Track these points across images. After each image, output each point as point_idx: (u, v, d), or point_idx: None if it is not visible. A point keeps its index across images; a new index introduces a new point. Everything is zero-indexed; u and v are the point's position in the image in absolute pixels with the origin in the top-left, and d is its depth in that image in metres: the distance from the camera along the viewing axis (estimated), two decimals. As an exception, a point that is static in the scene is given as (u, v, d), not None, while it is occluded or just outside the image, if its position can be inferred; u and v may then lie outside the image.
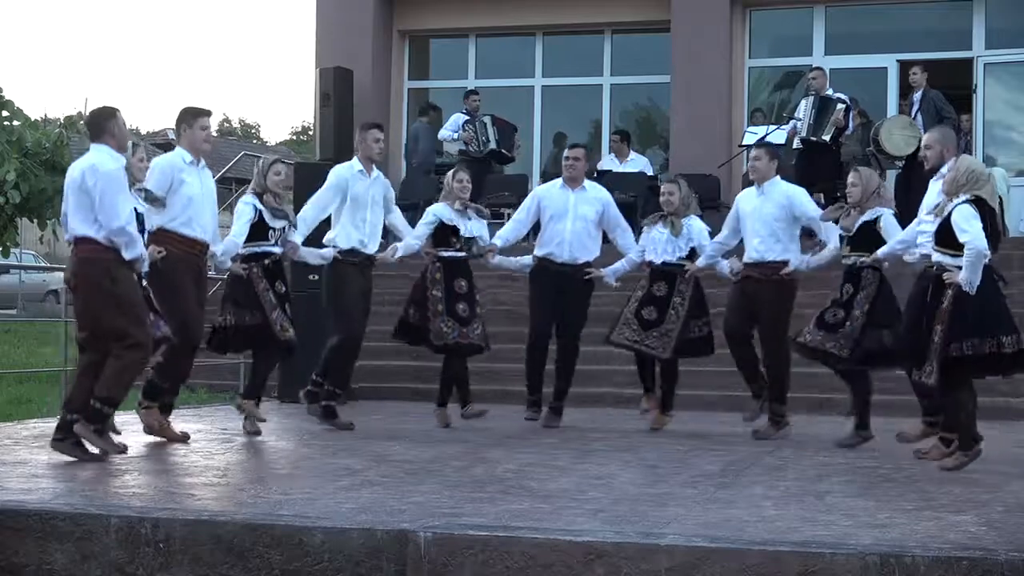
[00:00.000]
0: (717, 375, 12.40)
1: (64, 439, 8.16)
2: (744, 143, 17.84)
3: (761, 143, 17.01)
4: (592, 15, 20.16)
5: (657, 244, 10.86)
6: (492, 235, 11.24)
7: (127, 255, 8.06)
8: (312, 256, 10.52)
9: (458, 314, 10.69)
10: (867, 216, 9.73)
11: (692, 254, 10.81)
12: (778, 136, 17.08)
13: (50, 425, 10.55)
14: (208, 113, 9.64)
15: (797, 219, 10.43)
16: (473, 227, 10.91)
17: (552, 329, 11.15)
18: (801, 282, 10.70)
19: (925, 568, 5.30)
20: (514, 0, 20.36)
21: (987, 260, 8.19)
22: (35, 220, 20.42)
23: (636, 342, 10.75)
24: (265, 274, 9.98)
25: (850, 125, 16.41)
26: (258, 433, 9.98)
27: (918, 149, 15.92)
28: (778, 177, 10.65)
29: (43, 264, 28.78)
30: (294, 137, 66.38)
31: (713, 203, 17.44)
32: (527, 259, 11.29)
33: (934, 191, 9.15)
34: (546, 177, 19.21)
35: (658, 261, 10.83)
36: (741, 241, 10.68)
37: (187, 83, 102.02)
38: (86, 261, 8.08)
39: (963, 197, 8.30)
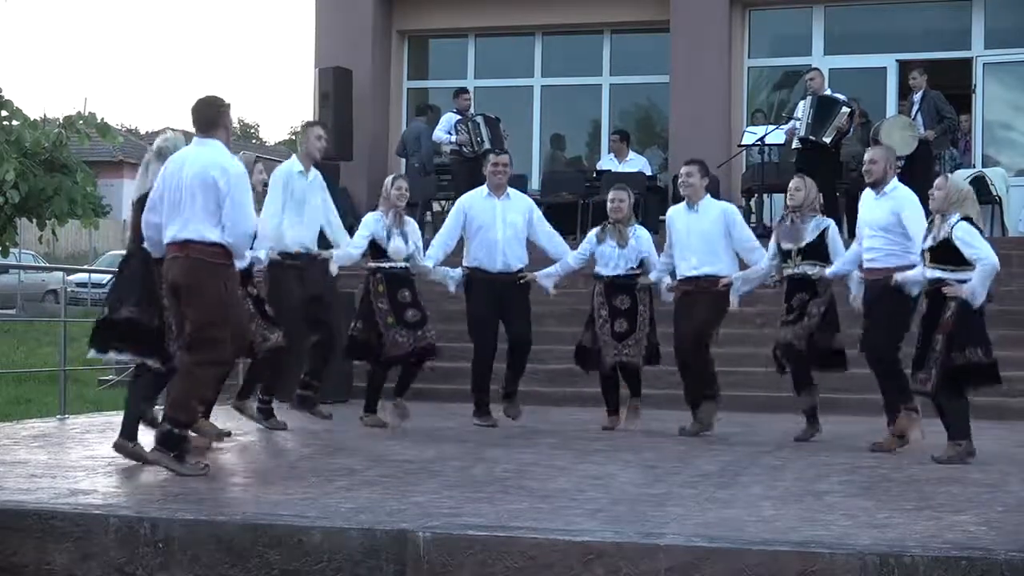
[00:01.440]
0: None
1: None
2: (743, 143, 17.85)
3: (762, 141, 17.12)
4: (591, 15, 20.15)
5: (609, 258, 10.79)
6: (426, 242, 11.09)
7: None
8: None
9: (408, 321, 10.51)
10: (814, 227, 10.01)
11: (641, 265, 10.79)
12: (777, 136, 17.07)
13: (49, 425, 10.59)
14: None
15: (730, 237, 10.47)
16: (397, 245, 10.54)
17: (496, 341, 11.04)
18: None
19: (924, 568, 5.31)
20: (513, 0, 20.36)
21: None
22: (34, 220, 20.43)
23: (616, 354, 10.73)
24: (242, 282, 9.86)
25: (851, 130, 16.39)
26: (284, 427, 10.13)
27: (918, 149, 16.10)
28: (709, 196, 10.73)
29: (42, 264, 28.85)
30: (293, 137, 66.16)
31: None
32: (455, 271, 11.03)
33: (871, 206, 9.67)
34: (545, 178, 19.25)
35: (609, 274, 10.77)
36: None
37: (187, 82, 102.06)
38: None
39: (957, 216, 8.63)
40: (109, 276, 22.05)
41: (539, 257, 11.44)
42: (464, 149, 17.76)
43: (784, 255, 10.13)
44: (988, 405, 11.57)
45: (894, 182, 9.72)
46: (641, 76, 20.59)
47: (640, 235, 10.85)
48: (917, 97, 16.79)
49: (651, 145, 20.94)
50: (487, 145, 17.98)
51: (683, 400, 10.73)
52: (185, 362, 7.50)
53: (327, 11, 20.68)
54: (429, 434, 10.25)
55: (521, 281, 10.95)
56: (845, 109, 16.08)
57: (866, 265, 9.69)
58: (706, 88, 19.00)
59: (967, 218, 8.64)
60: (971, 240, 8.54)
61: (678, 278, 10.56)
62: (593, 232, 11.05)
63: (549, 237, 11.29)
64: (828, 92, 16.43)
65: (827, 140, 16.07)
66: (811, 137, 16.18)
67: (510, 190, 11.24)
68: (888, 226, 9.55)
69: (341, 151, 18.98)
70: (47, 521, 6.11)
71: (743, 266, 10.56)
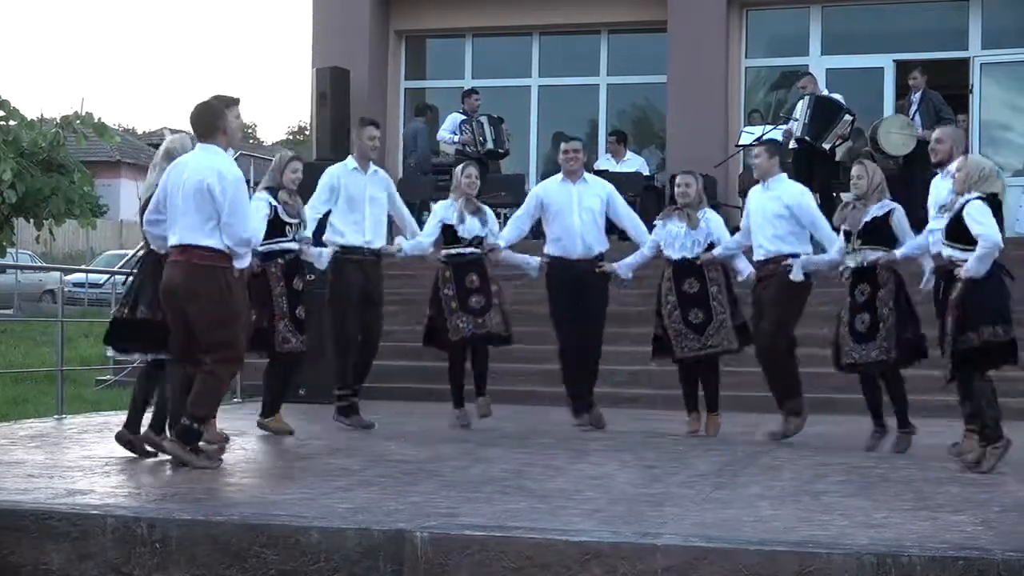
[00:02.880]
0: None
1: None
2: (741, 143, 17.86)
3: (760, 140, 17.11)
4: (589, 15, 20.16)
5: (675, 239, 10.51)
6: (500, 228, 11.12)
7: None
8: (315, 255, 10.28)
9: (471, 307, 10.57)
10: (876, 211, 9.56)
11: (710, 249, 10.50)
12: (774, 136, 17.06)
13: (47, 425, 10.59)
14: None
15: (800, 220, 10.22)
16: (471, 227, 10.73)
17: (579, 333, 10.84)
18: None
19: (921, 568, 5.31)
20: (511, 0, 20.36)
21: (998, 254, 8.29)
22: (31, 220, 20.42)
23: (700, 348, 10.42)
24: (284, 273, 9.94)
25: (850, 140, 16.40)
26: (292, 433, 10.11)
27: (915, 149, 16.09)
28: (784, 175, 10.55)
29: (39, 264, 28.84)
30: (291, 137, 66.25)
31: (710, 203, 17.43)
32: (534, 258, 11.04)
33: (941, 190, 9.22)
34: (544, 176, 19.25)
35: (676, 257, 10.49)
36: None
37: (184, 82, 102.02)
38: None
39: (975, 194, 8.38)
40: (107, 276, 22.11)
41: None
42: (467, 148, 17.80)
43: (847, 238, 9.66)
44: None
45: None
46: (638, 76, 20.61)
47: (711, 218, 10.65)
48: (916, 97, 16.81)
49: (648, 145, 20.97)
50: (490, 145, 18.05)
51: (681, 401, 10.71)
52: (205, 362, 7.70)
53: (324, 11, 20.69)
54: (427, 434, 10.25)
55: (599, 270, 10.78)
56: (848, 117, 16.11)
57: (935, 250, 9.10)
58: (703, 88, 19.01)
59: (991, 195, 8.38)
60: (978, 217, 8.26)
61: (754, 259, 10.34)
62: (659, 218, 10.88)
63: (631, 219, 11.10)
64: (825, 93, 16.44)
65: (826, 147, 16.10)
66: (807, 138, 16.20)
67: (587, 175, 11.12)
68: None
69: (338, 151, 18.95)
70: (44, 521, 6.11)
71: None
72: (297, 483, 7.41)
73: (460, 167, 11.04)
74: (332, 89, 19.44)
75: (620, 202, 11.07)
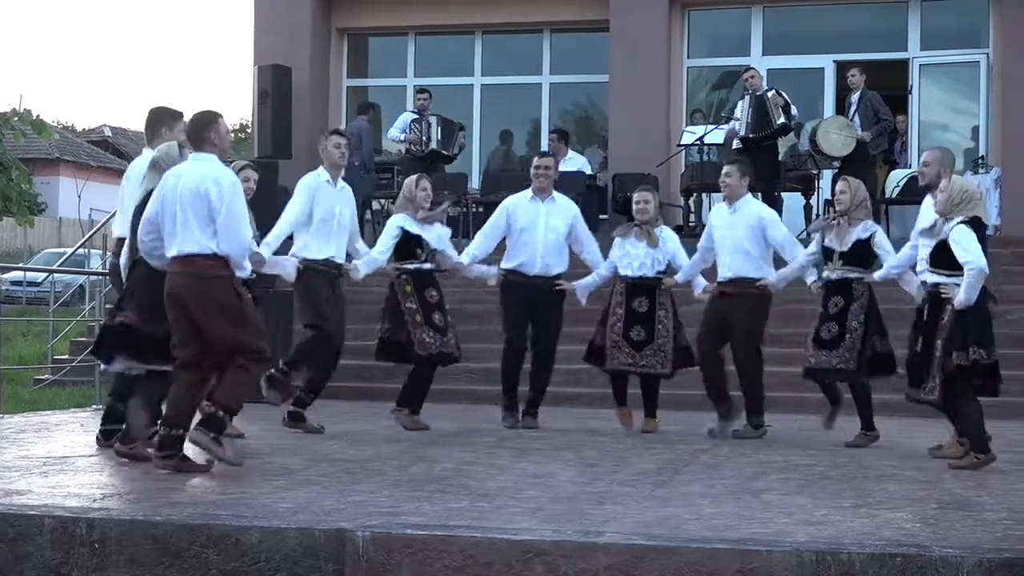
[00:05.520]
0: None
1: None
2: (683, 143, 17.93)
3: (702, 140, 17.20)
4: (531, 14, 20.18)
5: (633, 258, 10.62)
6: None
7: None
8: (286, 267, 10.03)
9: (435, 324, 10.54)
10: (860, 233, 9.76)
11: (667, 268, 10.64)
12: (716, 136, 17.17)
13: (-17, 425, 10.46)
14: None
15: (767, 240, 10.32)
16: (437, 235, 10.72)
17: (527, 340, 10.98)
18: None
19: (860, 565, 5.35)
20: (454, -2, 20.38)
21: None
22: (-32, 217, 20.24)
23: (632, 365, 10.56)
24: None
25: (791, 105, 16.41)
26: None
27: (855, 150, 16.22)
28: (749, 195, 10.66)
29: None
30: (232, 135, 65.99)
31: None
32: (491, 268, 11.06)
33: (928, 212, 9.26)
34: (487, 175, 19.26)
35: (633, 275, 10.59)
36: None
37: (124, 79, 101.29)
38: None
39: (959, 218, 8.48)
40: (45, 275, 21.91)
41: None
42: (413, 148, 17.79)
43: (827, 255, 9.91)
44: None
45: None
46: (581, 75, 20.67)
47: (667, 237, 10.73)
48: (855, 97, 16.91)
49: (591, 144, 21.02)
50: (433, 146, 18.05)
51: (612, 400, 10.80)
52: (239, 359, 7.62)
53: (266, 8, 20.59)
54: (368, 433, 10.23)
55: (557, 288, 10.85)
56: (771, 93, 16.20)
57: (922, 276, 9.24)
58: (645, 88, 19.06)
59: (973, 219, 8.48)
60: (964, 243, 8.37)
61: (718, 278, 10.44)
62: (616, 234, 10.92)
63: (589, 244, 11.13)
64: (766, 89, 16.52)
65: (781, 121, 16.16)
66: (751, 136, 16.27)
67: (556, 194, 11.12)
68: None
69: (280, 149, 18.92)
70: (-20, 522, 6.05)
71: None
72: (238, 483, 7.36)
73: (413, 179, 10.87)
74: (274, 87, 19.34)
75: (582, 227, 11.15)
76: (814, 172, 17.32)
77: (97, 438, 8.92)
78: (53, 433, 9.99)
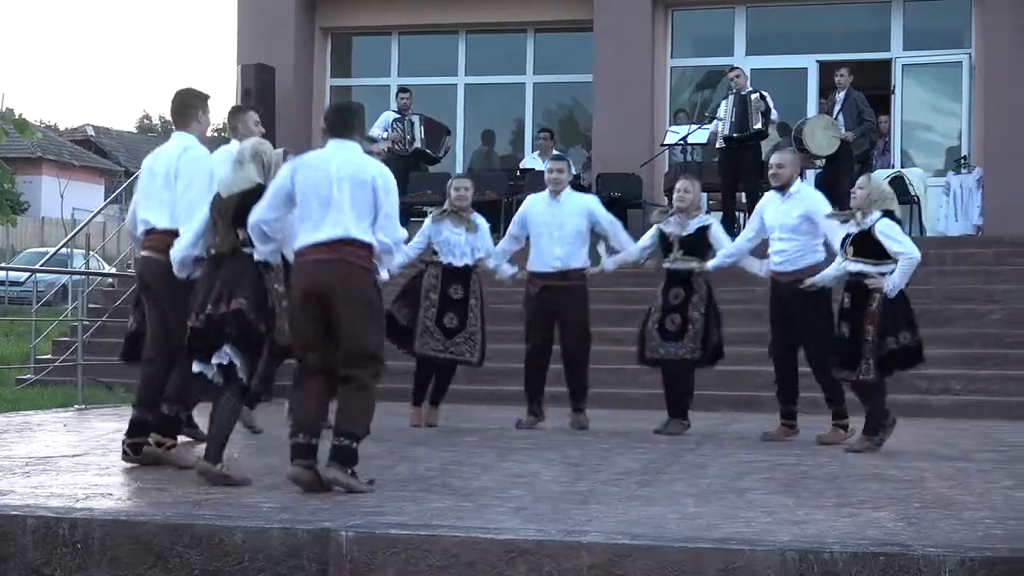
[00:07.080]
0: (639, 373, 12.39)
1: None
2: (666, 142, 17.94)
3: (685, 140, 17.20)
4: (515, 14, 20.19)
5: (454, 245, 10.79)
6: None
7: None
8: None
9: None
10: (697, 222, 10.48)
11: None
12: (700, 136, 17.18)
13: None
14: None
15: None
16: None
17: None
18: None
19: (843, 564, 5.36)
20: (437, -2, 20.37)
21: None
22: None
23: (441, 351, 10.72)
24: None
25: (772, 110, 16.42)
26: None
27: (839, 149, 16.26)
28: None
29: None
30: (215, 134, 65.81)
31: (635, 202, 17.53)
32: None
33: (776, 210, 10.10)
34: (471, 175, 19.22)
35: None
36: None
37: (107, 78, 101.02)
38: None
39: (878, 213, 9.18)
40: (27, 275, 21.82)
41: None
42: (396, 146, 17.80)
43: (666, 247, 10.46)
44: (909, 403, 11.74)
45: (798, 183, 10.21)
46: (565, 75, 20.68)
47: (480, 223, 10.96)
48: (840, 96, 16.93)
49: (575, 144, 21.03)
50: (417, 145, 18.05)
51: (609, 399, 10.84)
52: (361, 373, 6.99)
53: (250, 8, 20.56)
54: (352, 433, 10.19)
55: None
56: (755, 96, 16.21)
57: (776, 268, 10.07)
58: (629, 88, 19.08)
59: (889, 212, 9.19)
60: (894, 235, 9.10)
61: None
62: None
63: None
64: (751, 90, 16.54)
65: (758, 127, 16.19)
66: (737, 134, 16.27)
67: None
68: (797, 228, 9.94)
69: (263, 148, 18.84)
70: (-38, 522, 6.03)
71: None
72: (221, 482, 7.34)
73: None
74: (257, 86, 19.30)
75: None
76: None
77: (124, 451, 8.06)
78: (35, 433, 9.97)
